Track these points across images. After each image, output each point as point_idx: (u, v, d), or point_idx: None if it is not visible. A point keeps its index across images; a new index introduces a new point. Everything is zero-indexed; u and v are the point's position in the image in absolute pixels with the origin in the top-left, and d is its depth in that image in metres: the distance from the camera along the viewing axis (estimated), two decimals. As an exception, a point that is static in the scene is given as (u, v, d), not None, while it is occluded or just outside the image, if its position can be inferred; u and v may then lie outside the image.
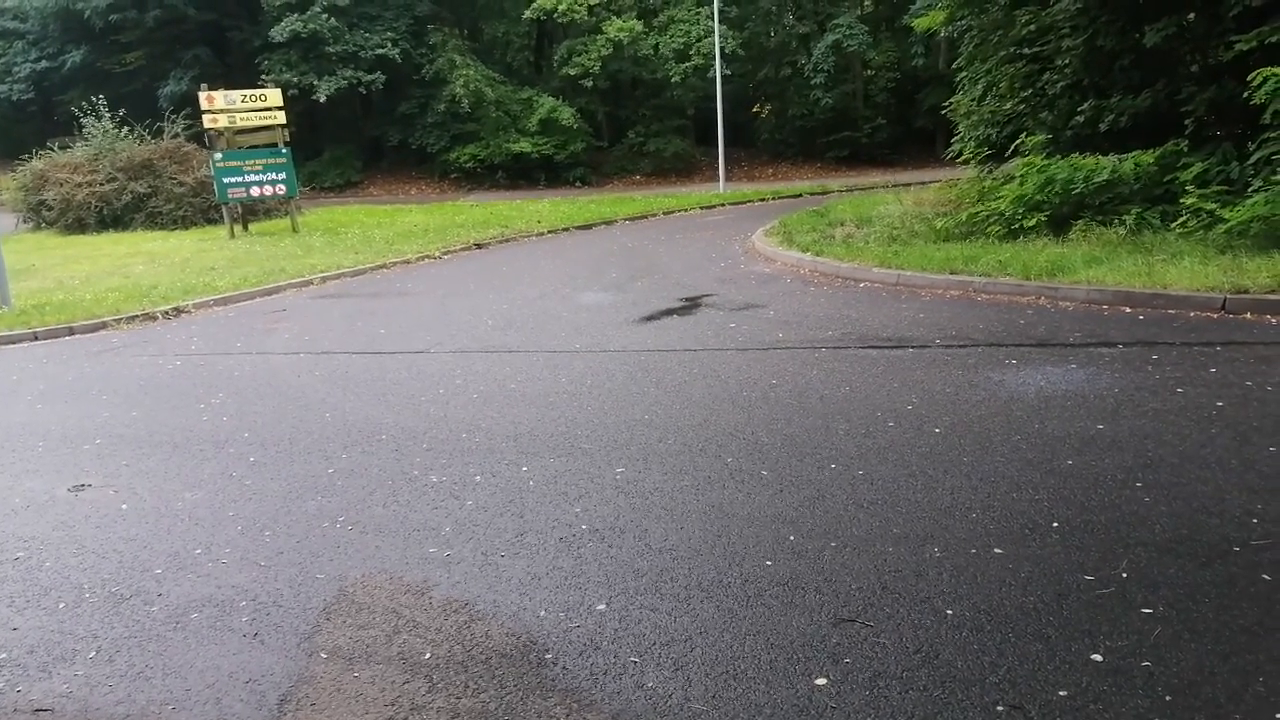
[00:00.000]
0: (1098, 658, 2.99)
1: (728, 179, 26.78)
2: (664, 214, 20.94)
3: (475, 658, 3.24)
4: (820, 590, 3.53)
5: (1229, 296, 7.57)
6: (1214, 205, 9.51)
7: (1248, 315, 7.39)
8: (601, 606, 3.53)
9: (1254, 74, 9.21)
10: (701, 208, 22.10)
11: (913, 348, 7.18)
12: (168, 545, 4.38)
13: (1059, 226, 10.83)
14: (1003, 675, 2.94)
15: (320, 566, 4.04)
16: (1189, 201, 9.72)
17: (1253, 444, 4.70)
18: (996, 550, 3.75)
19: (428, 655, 3.28)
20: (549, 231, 18.27)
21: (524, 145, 31.16)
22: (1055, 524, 3.95)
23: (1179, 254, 8.91)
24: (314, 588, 3.84)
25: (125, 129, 22.89)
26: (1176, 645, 3.03)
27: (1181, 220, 9.79)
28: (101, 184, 21.65)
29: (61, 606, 3.84)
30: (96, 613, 3.76)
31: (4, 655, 3.48)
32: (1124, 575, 3.49)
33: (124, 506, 4.93)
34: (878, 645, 3.14)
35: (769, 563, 3.78)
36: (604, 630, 3.36)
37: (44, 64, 34.90)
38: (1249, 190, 9.43)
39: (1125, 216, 10.31)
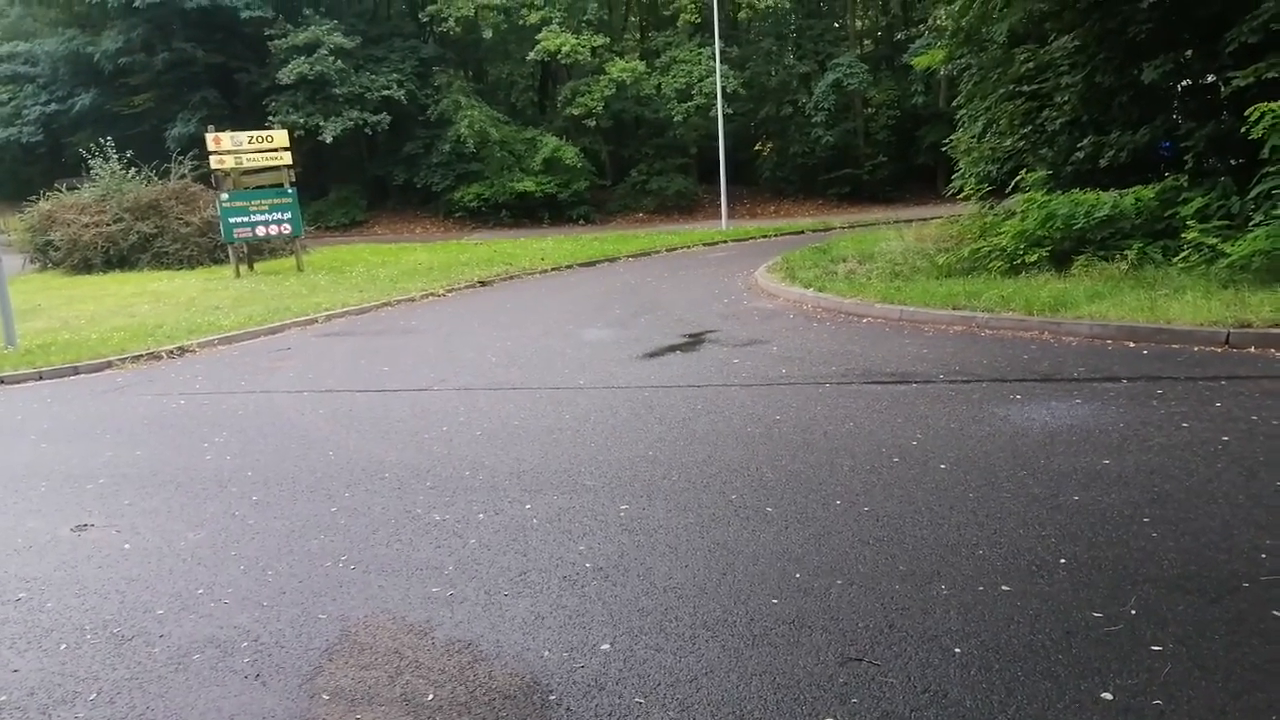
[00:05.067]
0: (1108, 696, 2.96)
1: (730, 216, 26.93)
2: (667, 251, 21.03)
3: (478, 699, 3.21)
4: (827, 629, 3.50)
5: (1232, 331, 7.57)
6: (1215, 240, 9.55)
7: (1251, 349, 7.39)
8: (606, 646, 3.50)
9: (1251, 109, 9.28)
10: (704, 245, 22.22)
11: (917, 383, 7.18)
12: (170, 585, 4.36)
13: (1061, 262, 10.87)
14: (1012, 714, 2.90)
15: (323, 606, 4.01)
16: (1190, 236, 9.76)
17: (1260, 479, 4.67)
18: (1004, 587, 3.72)
19: (430, 696, 3.25)
20: (552, 269, 18.35)
21: (528, 184, 31.44)
22: (1063, 560, 3.92)
23: (1181, 288, 8.93)
24: (316, 628, 3.82)
25: (133, 170, 23.12)
26: (1187, 683, 3.00)
27: (1183, 255, 9.83)
28: (108, 224, 21.84)
29: (63, 648, 3.81)
30: (98, 654, 3.74)
31: (4, 698, 3.45)
32: (1133, 612, 3.46)
33: (126, 546, 4.91)
34: (885, 684, 3.11)
35: (774, 601, 3.75)
36: (608, 670, 3.33)
37: (53, 106, 35.42)
38: (1250, 225, 9.47)
39: (1127, 251, 10.34)
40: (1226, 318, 7.78)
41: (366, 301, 14.23)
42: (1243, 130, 9.49)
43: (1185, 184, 10.65)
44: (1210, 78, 11.09)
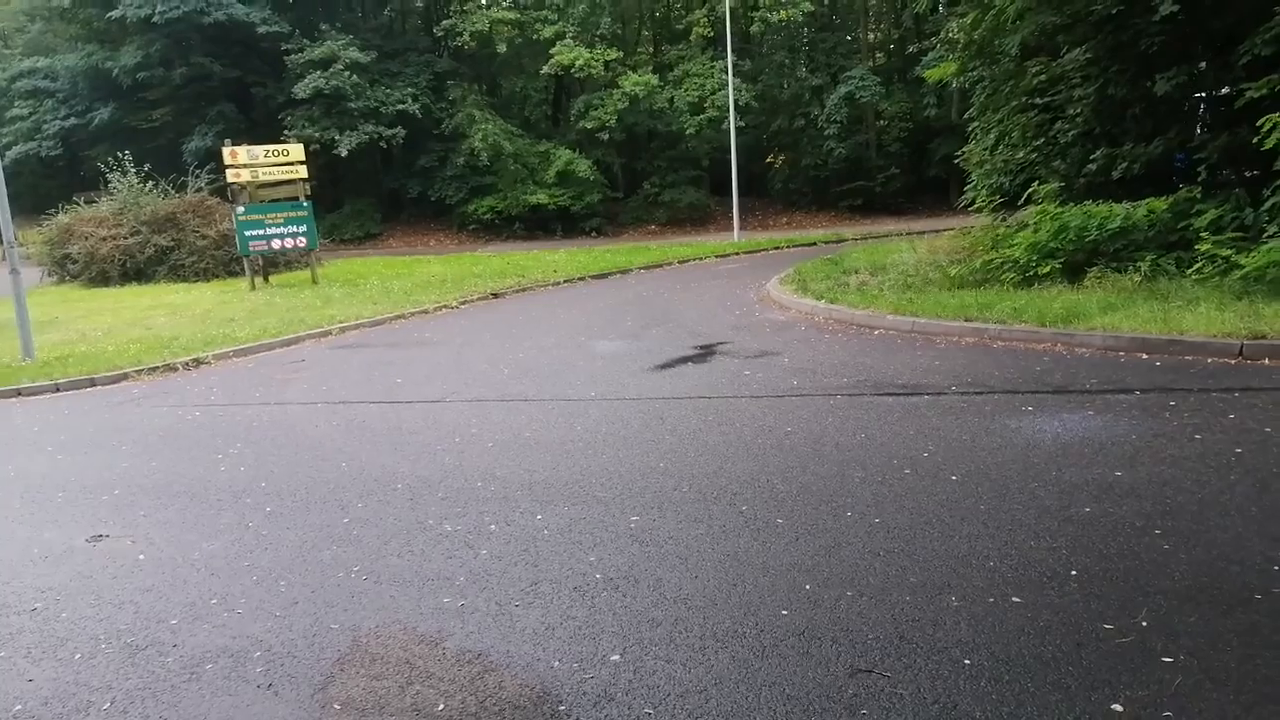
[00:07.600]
0: (1118, 708, 2.95)
1: (742, 228, 26.97)
2: (679, 263, 21.07)
3: (489, 709, 3.22)
4: (837, 640, 3.50)
5: (1246, 342, 7.53)
6: (1229, 251, 9.52)
7: (1265, 361, 7.35)
8: (616, 657, 3.51)
9: (1264, 120, 9.26)
10: (716, 256, 22.24)
11: (928, 395, 7.17)
12: (183, 596, 4.39)
13: (1073, 273, 10.84)
14: (1022, 727, 2.90)
15: (334, 617, 4.04)
16: (1204, 248, 9.73)
17: (1272, 491, 4.65)
18: (1014, 599, 3.72)
19: (441, 707, 3.26)
20: (565, 281, 18.40)
21: (541, 197, 31.59)
22: (1074, 572, 3.91)
23: (1195, 300, 8.90)
24: (328, 638, 3.84)
25: (150, 184, 23.32)
26: (1198, 695, 2.98)
27: (1197, 266, 9.80)
28: (125, 237, 22.03)
29: (77, 657, 3.85)
30: (112, 664, 3.77)
31: (19, 707, 3.48)
32: (1144, 624, 3.44)
33: (141, 557, 4.95)
34: (895, 696, 3.11)
35: (785, 612, 3.75)
36: (618, 681, 3.34)
37: (72, 121, 35.75)
38: (1264, 236, 9.45)
39: (1140, 263, 10.31)
40: (1240, 329, 7.74)
41: (380, 314, 14.31)
42: (1256, 142, 9.47)
43: (1199, 196, 10.62)
44: (1224, 89, 11.07)
